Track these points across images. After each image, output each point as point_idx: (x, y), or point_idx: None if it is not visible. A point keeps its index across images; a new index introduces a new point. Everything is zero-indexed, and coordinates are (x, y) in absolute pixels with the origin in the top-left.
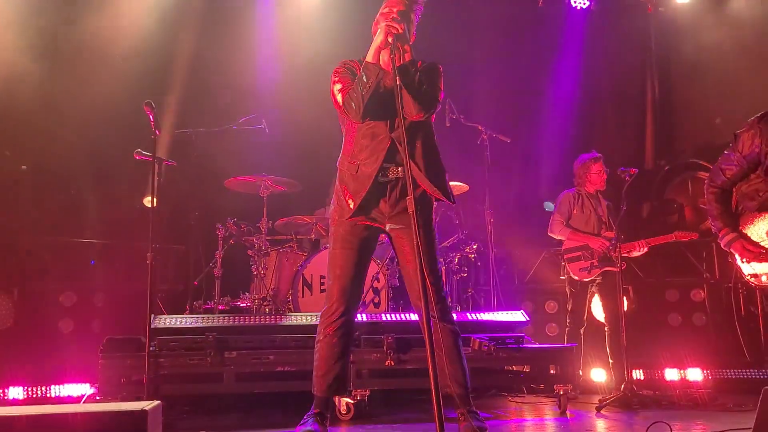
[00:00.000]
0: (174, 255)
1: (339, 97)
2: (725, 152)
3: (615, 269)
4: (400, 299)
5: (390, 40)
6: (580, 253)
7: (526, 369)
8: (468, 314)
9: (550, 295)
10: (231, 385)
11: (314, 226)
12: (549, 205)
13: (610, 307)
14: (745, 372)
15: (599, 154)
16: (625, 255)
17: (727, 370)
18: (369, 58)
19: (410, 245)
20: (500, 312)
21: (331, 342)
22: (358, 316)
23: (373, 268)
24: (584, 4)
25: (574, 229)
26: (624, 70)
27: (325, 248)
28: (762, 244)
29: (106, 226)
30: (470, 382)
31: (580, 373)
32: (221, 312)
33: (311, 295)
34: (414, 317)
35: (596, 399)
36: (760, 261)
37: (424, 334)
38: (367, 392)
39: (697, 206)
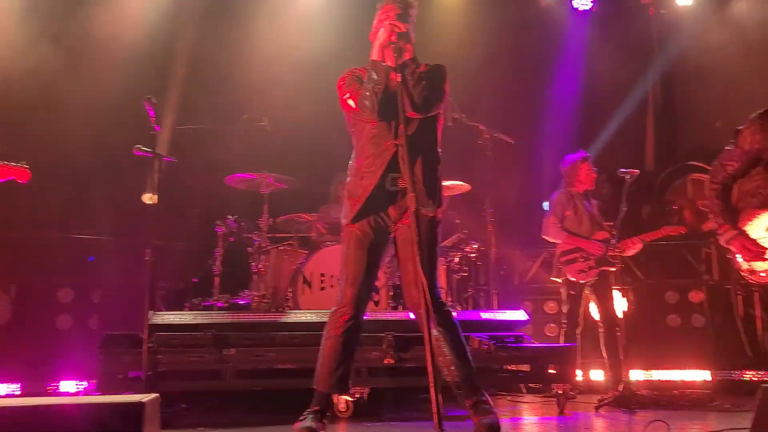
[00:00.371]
0: (173, 252)
1: (351, 102)
2: (726, 148)
3: (612, 269)
4: (399, 298)
5: (393, 38)
6: (577, 254)
7: (526, 368)
8: (468, 313)
9: (549, 296)
10: (230, 382)
11: (315, 224)
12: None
13: (605, 307)
14: (744, 373)
15: (587, 154)
16: (620, 254)
17: (726, 372)
18: (374, 56)
19: (411, 248)
20: (500, 311)
21: (338, 341)
22: None
23: None
24: (586, 5)
25: (569, 232)
26: (626, 72)
27: (326, 246)
28: (762, 240)
29: (106, 222)
30: (474, 374)
31: (579, 373)
32: (220, 309)
33: (311, 292)
34: (412, 315)
35: (595, 399)
36: (759, 260)
37: (424, 334)
38: (367, 390)
39: (697, 208)
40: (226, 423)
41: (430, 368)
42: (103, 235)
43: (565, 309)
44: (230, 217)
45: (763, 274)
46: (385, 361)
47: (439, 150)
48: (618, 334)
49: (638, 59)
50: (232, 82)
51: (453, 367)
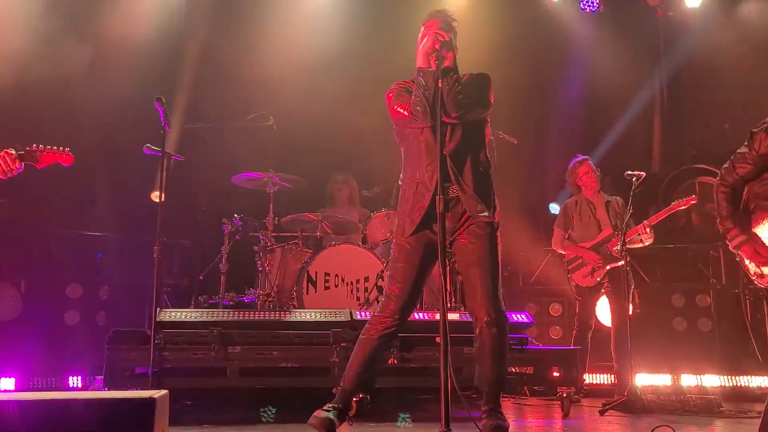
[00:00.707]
0: (180, 250)
1: (403, 111)
2: (739, 151)
3: (619, 265)
4: None
5: (437, 46)
6: (580, 260)
7: (529, 371)
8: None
9: (554, 298)
10: (234, 379)
11: (320, 224)
12: (554, 207)
13: (618, 310)
14: (752, 379)
15: (584, 156)
16: (634, 246)
17: (732, 377)
18: (419, 64)
19: (472, 257)
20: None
21: (370, 345)
22: (363, 315)
23: (379, 266)
24: (593, 7)
25: (570, 243)
26: (632, 74)
27: (331, 246)
28: None
29: (114, 219)
30: (502, 385)
31: (585, 377)
32: (226, 307)
33: (315, 292)
34: (417, 316)
35: (599, 403)
36: None
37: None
38: None
39: (705, 211)
40: (230, 420)
41: (442, 368)
42: (111, 233)
43: (577, 311)
44: (236, 215)
45: None
46: (390, 362)
47: (490, 156)
48: (627, 339)
49: (645, 61)
50: (239, 81)
51: (489, 370)
